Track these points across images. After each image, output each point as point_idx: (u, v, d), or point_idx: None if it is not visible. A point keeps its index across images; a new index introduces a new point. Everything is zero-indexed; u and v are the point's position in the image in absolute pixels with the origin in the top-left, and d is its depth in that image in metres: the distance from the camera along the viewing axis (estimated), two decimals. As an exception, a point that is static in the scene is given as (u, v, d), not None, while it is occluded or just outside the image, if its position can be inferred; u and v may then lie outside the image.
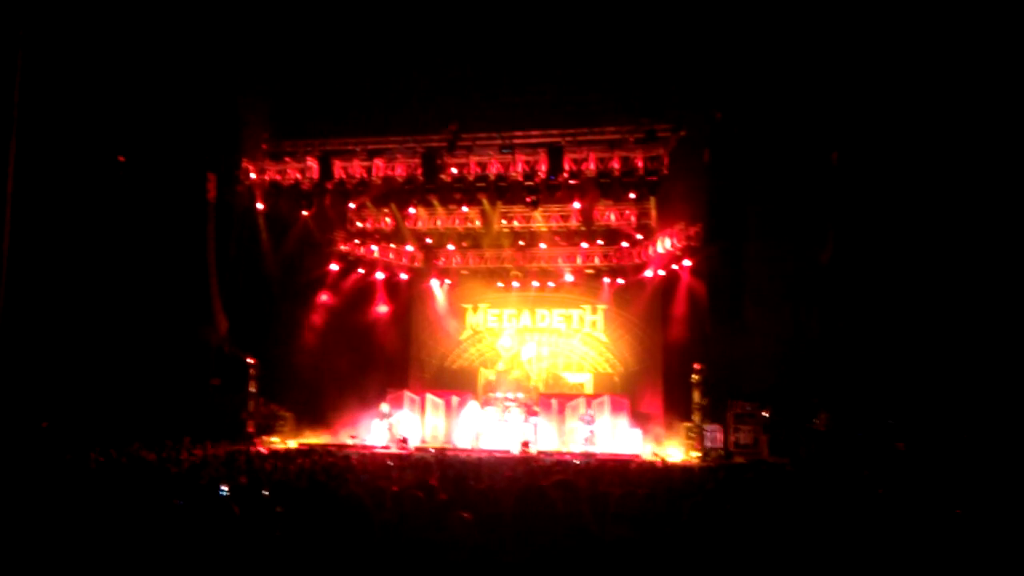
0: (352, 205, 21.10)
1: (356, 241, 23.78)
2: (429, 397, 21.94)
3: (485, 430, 20.61)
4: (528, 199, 18.71)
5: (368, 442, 19.96)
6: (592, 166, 17.96)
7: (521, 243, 22.97)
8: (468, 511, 4.14)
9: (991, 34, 14.33)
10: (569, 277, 24.36)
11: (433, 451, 17.46)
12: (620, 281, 23.96)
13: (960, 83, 15.09)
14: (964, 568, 4.56)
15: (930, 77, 15.42)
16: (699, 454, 19.09)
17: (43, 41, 14.58)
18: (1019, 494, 8.28)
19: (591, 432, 19.63)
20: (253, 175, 19.71)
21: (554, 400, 21.48)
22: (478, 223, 22.35)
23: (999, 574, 4.53)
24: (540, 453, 18.29)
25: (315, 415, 21.75)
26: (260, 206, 20.22)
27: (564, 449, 19.54)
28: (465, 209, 21.11)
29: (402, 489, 5.32)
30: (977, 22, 14.39)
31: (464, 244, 23.82)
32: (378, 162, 19.02)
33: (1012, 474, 10.99)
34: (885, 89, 16.15)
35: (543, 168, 17.99)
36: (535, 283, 24.69)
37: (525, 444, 19.01)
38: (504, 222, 22.12)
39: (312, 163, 19.13)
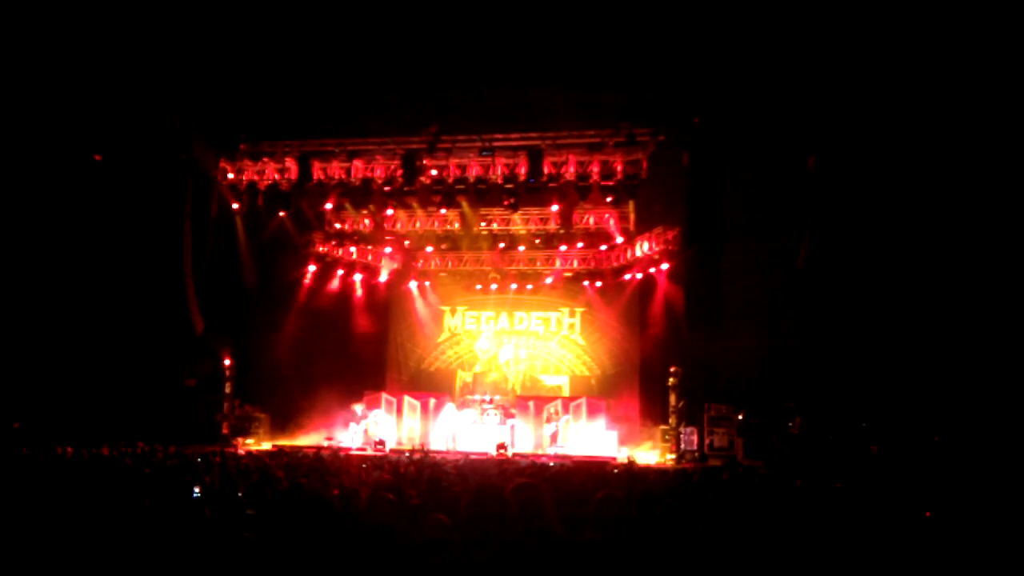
0: (330, 206, 21.01)
1: (334, 242, 23.70)
2: (406, 399, 21.85)
3: (462, 432, 20.58)
4: (507, 202, 18.73)
5: (344, 444, 19.88)
6: (571, 169, 18.02)
7: (500, 245, 22.98)
8: (440, 513, 4.15)
9: (966, 35, 14.49)
10: (548, 280, 24.41)
11: (407, 453, 17.40)
12: (598, 284, 24.05)
13: (937, 87, 15.24)
14: (933, 569, 4.62)
15: (907, 82, 15.56)
16: (674, 456, 19.19)
17: (19, 40, 14.41)
18: (988, 497, 8.39)
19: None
20: (231, 175, 19.59)
21: (531, 402, 21.47)
22: (457, 225, 22.36)
23: (967, 574, 4.60)
24: (516, 455, 18.31)
25: (291, 417, 21.63)
26: (237, 206, 20.09)
27: (540, 451, 19.56)
28: (444, 211, 21.06)
29: (375, 491, 5.32)
30: (952, 23, 14.54)
31: (443, 246, 23.81)
32: (357, 163, 18.99)
33: (982, 477, 11.14)
34: (862, 94, 16.29)
35: (523, 171, 18.03)
36: (513, 286, 24.73)
37: (501, 446, 19.01)
38: (483, 224, 22.14)
39: (291, 164, 19.03)
